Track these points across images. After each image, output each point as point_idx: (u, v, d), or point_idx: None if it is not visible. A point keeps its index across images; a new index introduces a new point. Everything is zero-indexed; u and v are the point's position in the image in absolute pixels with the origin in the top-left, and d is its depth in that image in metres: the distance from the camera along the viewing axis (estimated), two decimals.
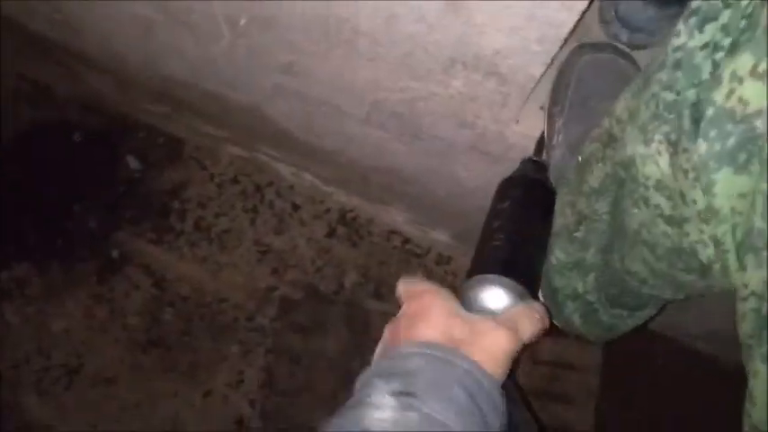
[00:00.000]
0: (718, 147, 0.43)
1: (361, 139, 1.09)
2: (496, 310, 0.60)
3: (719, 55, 0.43)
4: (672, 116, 0.47)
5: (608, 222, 0.65)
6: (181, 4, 0.91)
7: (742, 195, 0.43)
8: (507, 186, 0.73)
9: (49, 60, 1.50)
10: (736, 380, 0.48)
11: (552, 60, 0.70)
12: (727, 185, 0.44)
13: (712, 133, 0.43)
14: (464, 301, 0.59)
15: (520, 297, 0.61)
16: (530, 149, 0.83)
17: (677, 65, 0.46)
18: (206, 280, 1.58)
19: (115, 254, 1.61)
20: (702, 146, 0.44)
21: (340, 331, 1.49)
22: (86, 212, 1.63)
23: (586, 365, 1.41)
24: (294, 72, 0.94)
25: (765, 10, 0.41)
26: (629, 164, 0.54)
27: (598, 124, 0.63)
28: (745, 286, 0.44)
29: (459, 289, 0.62)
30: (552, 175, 0.79)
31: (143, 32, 1.04)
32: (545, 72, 0.73)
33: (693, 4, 0.45)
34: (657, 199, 0.51)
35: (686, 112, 0.45)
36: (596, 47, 0.81)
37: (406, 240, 1.57)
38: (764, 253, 0.42)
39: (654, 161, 0.50)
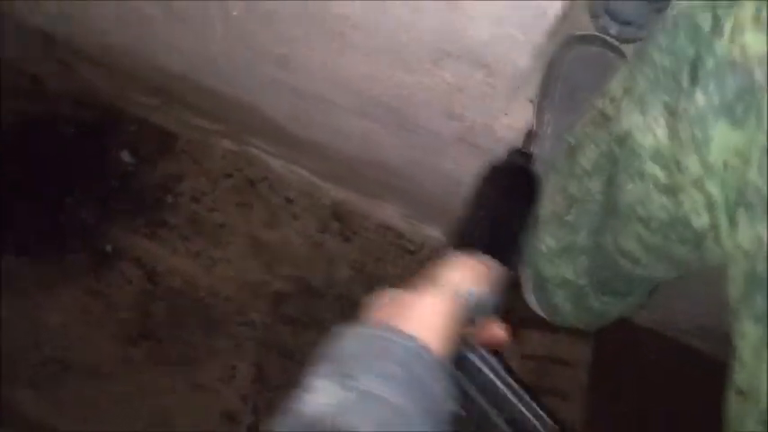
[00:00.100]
0: (716, 99, 0.43)
1: (353, 131, 1.09)
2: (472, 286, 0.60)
3: (722, 8, 0.43)
4: (670, 81, 0.47)
5: (600, 203, 0.66)
6: None
7: (737, 152, 0.44)
8: (491, 171, 0.74)
9: (42, 53, 1.50)
10: (726, 375, 0.49)
11: (539, 52, 0.70)
12: (723, 141, 0.44)
13: (711, 85, 0.43)
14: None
15: (495, 274, 0.61)
16: (518, 143, 0.84)
17: (677, 24, 0.47)
18: (198, 274, 1.58)
19: (108, 248, 1.60)
20: (701, 99, 0.44)
21: (332, 326, 1.49)
22: (79, 206, 1.63)
23: (576, 360, 1.41)
24: (286, 64, 0.94)
25: None
26: (624, 138, 0.54)
27: (591, 106, 0.64)
28: (736, 247, 0.44)
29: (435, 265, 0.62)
30: (540, 167, 0.79)
31: (136, 24, 1.05)
32: (533, 64, 0.74)
33: None
34: (653, 170, 0.52)
35: (685, 71, 0.46)
36: (586, 40, 0.81)
37: (400, 235, 1.58)
38: (758, 209, 0.42)
39: (651, 131, 0.50)
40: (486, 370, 0.55)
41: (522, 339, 1.43)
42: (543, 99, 0.81)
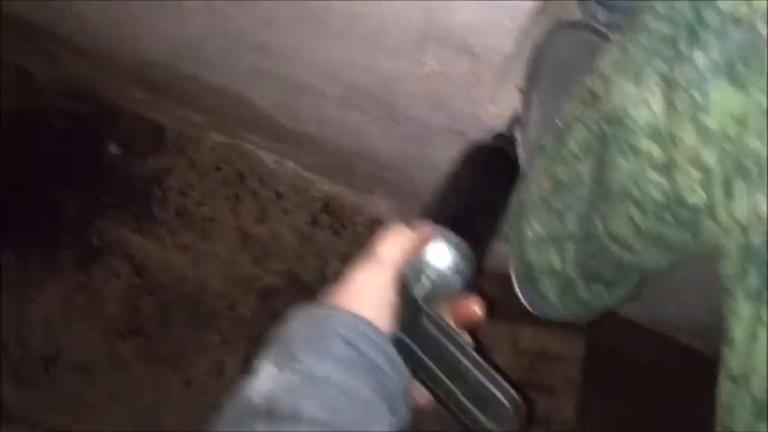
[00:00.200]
0: (718, 57, 0.42)
1: (339, 122, 1.08)
2: (436, 262, 0.59)
3: None
4: (667, 48, 0.46)
5: (590, 187, 0.64)
6: None
7: (735, 118, 0.42)
8: (469, 152, 0.73)
9: (30, 45, 1.48)
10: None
11: (525, 38, 0.69)
12: (722, 102, 0.42)
13: (713, 43, 0.42)
14: None
15: (460, 252, 0.60)
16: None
17: None
18: (187, 268, 1.57)
19: (96, 242, 1.59)
20: (701, 59, 0.43)
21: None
22: (67, 199, 1.61)
23: (569, 356, 1.40)
24: (269, 51, 0.92)
25: None
26: (615, 115, 0.52)
27: (580, 85, 0.62)
28: (732, 220, 0.43)
29: None
30: (526, 154, 0.78)
31: (117, 10, 1.03)
32: (518, 50, 0.72)
33: None
34: (647, 145, 0.50)
35: (684, 36, 0.44)
36: (574, 26, 0.80)
37: None
38: (755, 177, 0.41)
39: (645, 103, 0.48)
40: (444, 341, 0.54)
41: (514, 335, 1.42)
42: (530, 86, 0.79)
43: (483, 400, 0.53)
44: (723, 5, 0.41)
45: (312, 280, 1.53)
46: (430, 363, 0.54)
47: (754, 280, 0.41)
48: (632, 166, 0.52)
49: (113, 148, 1.62)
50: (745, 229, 0.42)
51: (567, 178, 0.66)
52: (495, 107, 0.83)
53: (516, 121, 0.82)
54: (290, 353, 0.48)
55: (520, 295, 0.82)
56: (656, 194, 0.51)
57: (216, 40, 0.95)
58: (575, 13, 0.83)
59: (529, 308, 0.83)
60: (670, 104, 0.46)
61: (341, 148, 1.22)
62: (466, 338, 0.57)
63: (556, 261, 0.73)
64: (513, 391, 0.53)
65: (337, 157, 1.30)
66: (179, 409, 1.52)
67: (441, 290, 0.62)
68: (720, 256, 0.45)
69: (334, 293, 0.53)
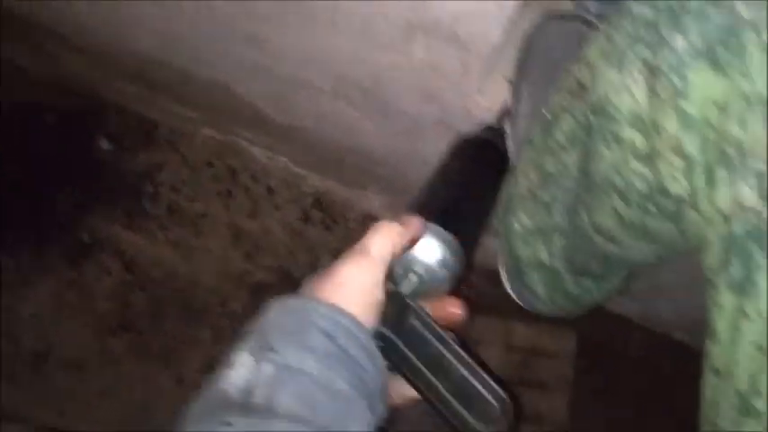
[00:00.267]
0: (697, 40, 0.41)
1: (330, 116, 1.07)
2: (423, 257, 0.58)
3: None
4: (651, 34, 0.45)
5: (576, 179, 0.63)
6: None
7: (717, 105, 0.41)
8: (457, 144, 0.72)
9: (20, 41, 1.47)
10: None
11: (513, 27, 0.68)
12: (703, 88, 0.42)
13: (692, 25, 0.41)
14: None
15: (449, 247, 0.59)
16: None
17: None
18: (178, 264, 1.56)
19: (86, 237, 1.57)
20: (680, 43, 0.42)
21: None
22: (57, 195, 1.60)
23: (561, 353, 1.39)
24: (258, 43, 0.91)
25: None
26: (600, 103, 0.52)
27: (567, 74, 0.61)
28: (714, 209, 0.42)
29: None
30: (515, 146, 0.77)
31: (111, 7, 1.02)
32: (507, 39, 0.72)
33: None
34: (630, 134, 0.49)
35: (666, 20, 0.43)
36: (564, 17, 0.79)
37: None
38: (737, 165, 0.40)
39: (628, 91, 0.48)
40: (431, 338, 0.53)
41: (506, 331, 1.41)
42: (519, 78, 0.79)
43: (469, 398, 0.52)
44: None
45: (303, 276, 1.51)
46: (416, 360, 0.53)
47: (736, 271, 0.41)
48: (615, 156, 0.52)
49: (104, 144, 1.61)
50: (727, 219, 0.41)
51: (554, 170, 0.66)
52: (485, 99, 0.83)
53: (506, 113, 0.81)
54: (267, 344, 0.46)
55: (509, 289, 0.82)
56: (640, 184, 0.51)
57: (202, 32, 0.95)
58: (564, 3, 0.82)
59: (518, 301, 0.82)
60: (652, 91, 0.45)
61: (332, 142, 1.21)
62: (452, 336, 0.57)
63: (543, 254, 0.72)
64: (500, 390, 0.52)
65: (328, 152, 1.29)
66: (170, 406, 1.51)
67: (428, 285, 0.61)
68: (703, 248, 0.44)
69: (317, 285, 0.52)
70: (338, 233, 1.55)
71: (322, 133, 1.20)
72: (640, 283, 0.98)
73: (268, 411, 0.42)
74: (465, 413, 0.52)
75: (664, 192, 0.49)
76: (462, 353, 0.53)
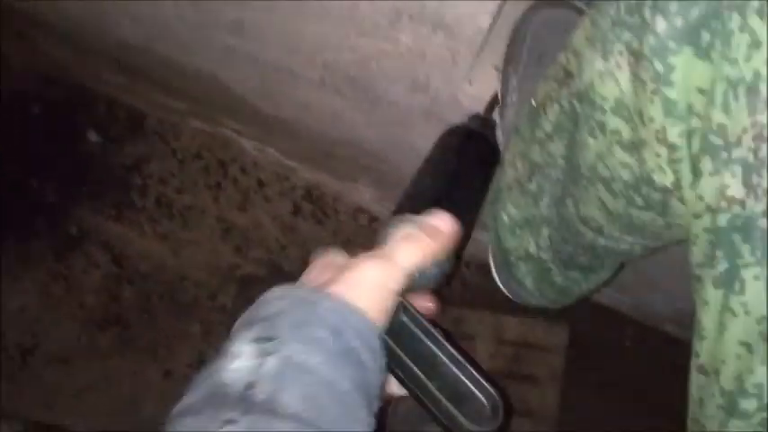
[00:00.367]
0: (679, 22, 0.40)
1: (318, 106, 1.06)
2: None
3: None
4: (634, 18, 0.43)
5: (563, 169, 0.62)
6: None
7: (700, 90, 0.40)
8: (446, 135, 0.71)
9: (5, 30, 1.45)
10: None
11: (499, 12, 0.67)
12: (686, 72, 0.40)
13: (675, 7, 0.40)
14: (382, 241, 0.55)
15: None
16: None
17: None
18: (167, 257, 1.54)
19: (73, 230, 1.56)
20: (661, 24, 0.40)
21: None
22: (44, 187, 1.58)
23: (552, 346, 1.38)
24: (243, 32, 0.90)
25: None
26: (585, 91, 0.50)
27: (554, 62, 0.60)
28: (700, 199, 0.41)
29: (380, 229, 0.59)
30: (504, 135, 0.76)
31: None
32: (495, 27, 0.70)
33: None
34: (615, 123, 0.48)
35: (648, 4, 0.42)
36: (553, 4, 0.78)
37: (373, 219, 1.54)
38: (722, 153, 0.39)
39: (613, 78, 0.46)
40: (422, 336, 0.51)
41: (497, 325, 1.40)
42: (509, 65, 0.78)
43: (461, 397, 0.51)
44: None
45: (294, 269, 1.51)
46: (406, 358, 0.52)
47: (722, 267, 0.40)
48: (601, 146, 0.51)
49: (92, 135, 1.60)
50: (713, 212, 0.40)
51: (541, 160, 0.64)
52: (474, 88, 0.82)
53: (495, 102, 0.80)
54: (271, 335, 0.43)
55: (498, 281, 0.81)
56: (625, 175, 0.50)
57: (185, 19, 0.93)
58: None
59: (507, 293, 0.82)
60: (636, 77, 0.44)
61: (321, 134, 1.20)
62: (443, 333, 0.55)
63: (531, 246, 0.71)
64: (492, 389, 0.51)
65: (318, 144, 1.28)
66: (159, 400, 1.50)
67: (418, 283, 0.59)
68: (690, 243, 0.43)
69: (329, 278, 0.48)
70: (329, 226, 1.54)
71: (310, 124, 1.18)
72: (631, 277, 0.97)
73: (272, 410, 0.39)
74: (456, 412, 0.51)
75: (649, 182, 0.47)
76: (454, 351, 0.52)
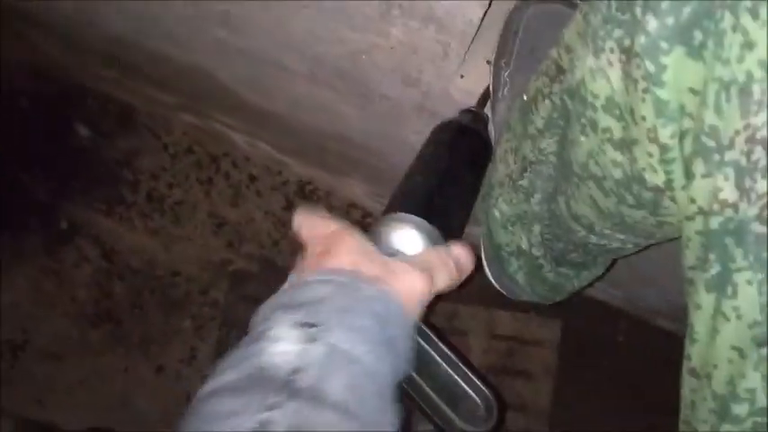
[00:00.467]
0: (670, 21, 0.39)
1: (309, 100, 1.05)
2: (406, 250, 0.56)
3: None
4: (625, 15, 0.43)
5: (555, 165, 0.62)
6: None
7: (693, 91, 0.39)
8: (438, 131, 0.70)
9: None
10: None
11: (490, 5, 0.66)
12: (677, 72, 0.40)
13: (665, 5, 0.39)
14: (374, 240, 0.54)
15: (432, 240, 0.56)
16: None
17: None
18: (158, 252, 1.53)
19: (64, 225, 1.55)
20: (653, 23, 0.40)
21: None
22: (35, 182, 1.58)
23: (545, 341, 1.38)
24: (232, 24, 0.89)
25: None
26: (577, 88, 0.50)
27: (546, 58, 0.59)
28: (692, 202, 0.40)
29: (371, 227, 0.58)
30: (496, 130, 0.75)
31: None
32: (486, 21, 0.70)
33: None
34: (607, 121, 0.47)
35: (639, 3, 0.41)
36: None
37: (367, 214, 1.53)
38: (714, 154, 0.38)
39: (604, 75, 0.46)
40: (415, 336, 0.51)
41: (490, 320, 1.40)
42: (500, 58, 0.77)
43: (455, 397, 0.51)
44: None
45: (286, 264, 1.51)
46: None
47: (714, 270, 0.39)
48: (592, 144, 0.50)
49: (82, 130, 1.59)
50: (706, 214, 0.39)
51: (533, 156, 0.64)
52: (465, 81, 0.81)
53: (487, 96, 0.79)
54: (316, 321, 0.42)
55: (489, 276, 0.80)
56: (617, 173, 0.49)
57: (174, 12, 0.92)
58: None
59: (499, 289, 0.81)
60: (627, 76, 0.43)
61: (312, 128, 1.19)
62: (437, 333, 0.55)
63: (523, 242, 0.71)
64: (486, 389, 0.51)
65: (310, 139, 1.27)
66: (150, 396, 1.50)
67: None
68: (682, 245, 0.43)
69: (364, 266, 0.47)
70: None
71: (301, 118, 1.17)
72: (624, 271, 0.97)
73: (317, 397, 0.38)
74: (450, 412, 0.51)
75: (641, 181, 0.47)
76: (448, 351, 0.52)
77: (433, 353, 0.51)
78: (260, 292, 1.45)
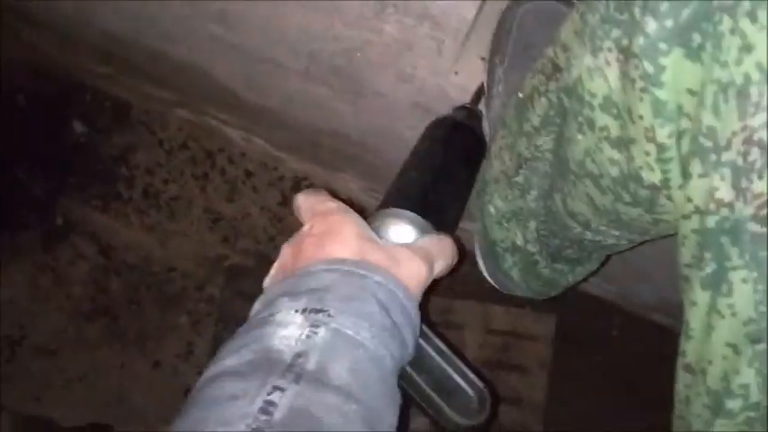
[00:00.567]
0: (669, 23, 0.39)
1: (304, 97, 1.05)
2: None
3: None
4: (623, 14, 0.43)
5: (551, 162, 0.62)
6: None
7: (690, 92, 0.40)
8: (432, 127, 0.70)
9: None
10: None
11: (484, 2, 0.66)
12: (676, 73, 0.40)
13: (664, 7, 0.39)
14: None
15: (426, 235, 0.57)
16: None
17: None
18: (154, 248, 1.54)
19: (60, 221, 1.55)
20: (652, 25, 0.40)
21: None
22: (30, 178, 1.57)
23: (540, 336, 1.39)
24: (227, 21, 0.89)
25: None
26: (574, 87, 0.50)
27: (542, 55, 0.60)
28: (689, 201, 0.41)
29: (366, 222, 0.58)
30: (490, 126, 0.75)
31: None
32: (480, 17, 0.70)
33: None
34: (604, 120, 0.48)
35: (638, 3, 0.41)
36: None
37: (362, 210, 1.53)
38: (711, 155, 0.38)
39: (602, 74, 0.46)
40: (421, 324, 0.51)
41: (485, 315, 1.41)
42: (495, 55, 0.77)
43: (448, 390, 0.51)
44: None
45: None
46: None
47: (710, 268, 0.40)
48: (589, 142, 0.51)
49: (78, 126, 1.58)
50: (702, 213, 0.40)
51: (529, 153, 0.64)
52: (460, 78, 0.81)
53: (481, 93, 0.80)
54: (322, 306, 0.43)
55: (484, 272, 0.81)
56: (613, 172, 0.50)
57: (170, 9, 0.92)
58: None
59: (493, 284, 0.82)
60: (625, 76, 0.44)
61: (308, 124, 1.20)
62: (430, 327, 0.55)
63: (518, 238, 0.71)
64: (479, 382, 0.51)
65: (305, 135, 1.27)
66: (147, 392, 1.50)
67: None
68: (678, 243, 0.43)
69: (367, 252, 0.48)
70: None
71: (296, 114, 1.17)
72: (618, 267, 0.98)
73: (321, 380, 0.39)
74: (444, 405, 0.51)
75: (637, 179, 0.47)
76: (441, 344, 0.52)
77: (426, 346, 0.51)
78: (256, 287, 1.45)
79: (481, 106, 0.78)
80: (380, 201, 0.61)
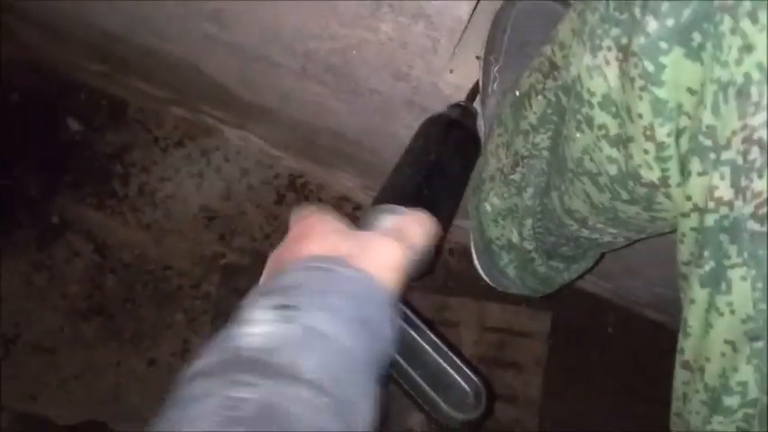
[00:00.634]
0: (670, 22, 0.40)
1: (300, 95, 1.05)
2: None
3: None
4: (623, 14, 0.43)
5: (547, 160, 0.62)
6: None
7: (690, 91, 0.40)
8: (427, 124, 0.71)
9: None
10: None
11: (479, 1, 0.66)
12: (676, 71, 0.40)
13: (665, 7, 0.40)
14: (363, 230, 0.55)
15: None
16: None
17: None
18: (150, 246, 1.53)
19: (55, 219, 1.55)
20: (653, 24, 0.40)
21: None
22: (25, 177, 1.57)
23: (536, 333, 1.39)
24: (222, 20, 0.89)
25: None
26: (572, 85, 0.50)
27: (539, 54, 0.60)
28: (688, 199, 0.41)
29: (360, 217, 0.59)
30: (485, 124, 0.76)
31: None
32: (475, 16, 0.70)
33: None
34: (603, 118, 0.48)
35: (638, 3, 0.42)
36: None
37: (358, 207, 1.54)
38: (710, 153, 0.39)
39: (601, 73, 0.46)
40: (404, 325, 0.52)
41: (481, 312, 1.41)
42: (489, 54, 0.77)
43: (444, 385, 0.51)
44: None
45: None
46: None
47: (709, 266, 0.40)
48: (587, 140, 0.51)
49: (73, 124, 1.58)
50: (701, 211, 0.40)
51: (526, 151, 0.64)
52: (455, 76, 0.81)
53: (476, 91, 0.80)
54: (293, 303, 0.43)
55: (479, 269, 0.81)
56: (612, 170, 0.50)
57: (165, 9, 0.92)
58: None
59: (489, 281, 0.82)
60: (624, 74, 0.44)
61: (303, 122, 1.20)
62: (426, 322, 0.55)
63: (514, 236, 0.71)
64: (474, 377, 0.52)
65: (301, 133, 1.28)
66: (143, 390, 1.50)
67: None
68: (677, 241, 0.43)
69: (341, 246, 0.49)
70: None
71: (292, 113, 1.18)
72: (613, 264, 0.98)
73: (290, 375, 0.39)
74: (439, 400, 0.51)
75: (636, 177, 0.48)
76: (436, 340, 0.52)
77: (421, 341, 0.52)
78: (252, 285, 1.45)
79: (476, 104, 0.79)
80: (378, 196, 0.61)
